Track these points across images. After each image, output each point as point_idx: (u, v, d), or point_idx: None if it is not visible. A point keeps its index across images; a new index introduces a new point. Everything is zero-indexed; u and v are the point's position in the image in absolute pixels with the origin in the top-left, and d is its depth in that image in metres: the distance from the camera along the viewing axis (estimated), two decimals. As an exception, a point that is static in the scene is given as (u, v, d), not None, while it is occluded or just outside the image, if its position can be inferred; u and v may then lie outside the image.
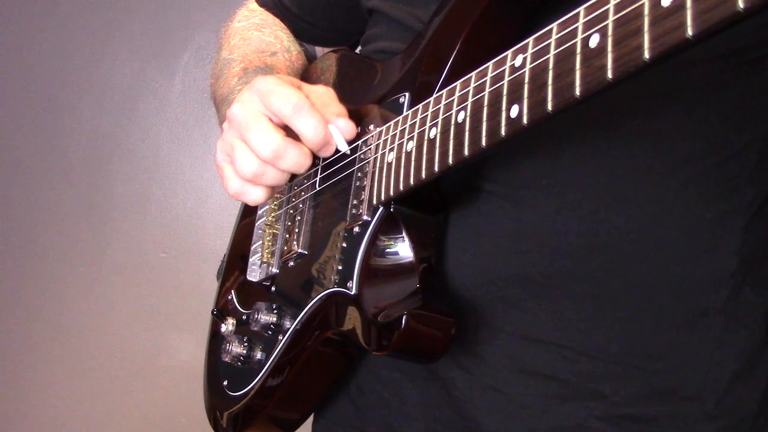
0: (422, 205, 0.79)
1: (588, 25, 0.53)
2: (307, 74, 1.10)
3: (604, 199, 0.77)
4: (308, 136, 0.81)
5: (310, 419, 1.01)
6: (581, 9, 0.54)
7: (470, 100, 0.65)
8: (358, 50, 1.13)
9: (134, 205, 2.59)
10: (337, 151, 0.85)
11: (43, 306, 2.60)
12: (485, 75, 0.64)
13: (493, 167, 0.79)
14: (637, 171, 0.77)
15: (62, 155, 2.62)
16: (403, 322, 0.70)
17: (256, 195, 0.85)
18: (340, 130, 0.83)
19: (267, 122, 0.81)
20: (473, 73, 0.66)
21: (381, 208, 0.79)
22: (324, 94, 0.86)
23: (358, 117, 0.88)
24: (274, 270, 0.98)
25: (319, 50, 1.18)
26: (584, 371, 0.79)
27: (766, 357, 0.83)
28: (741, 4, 0.42)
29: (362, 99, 0.90)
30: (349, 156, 0.85)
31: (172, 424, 2.46)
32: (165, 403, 2.48)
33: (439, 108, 0.70)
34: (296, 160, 0.81)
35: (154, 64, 2.62)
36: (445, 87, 0.71)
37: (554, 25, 0.57)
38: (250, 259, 1.05)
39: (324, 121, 0.82)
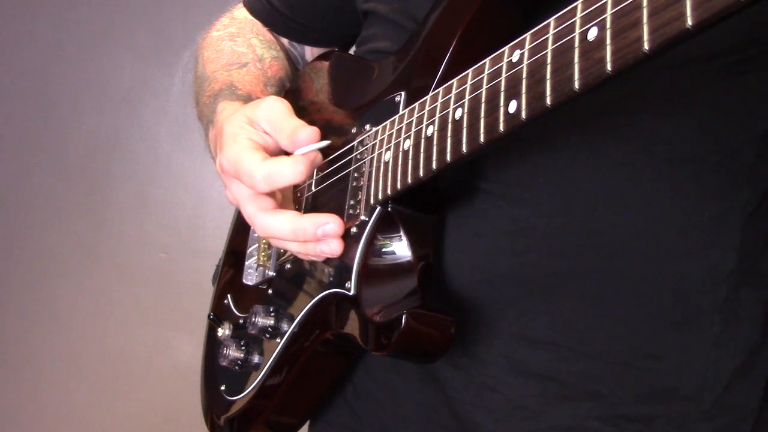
0: (420, 204, 0.78)
1: (586, 19, 0.53)
2: (299, 79, 1.09)
3: (601, 199, 0.77)
4: (294, 182, 0.79)
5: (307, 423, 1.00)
6: (578, 3, 0.54)
7: (467, 97, 0.65)
8: (352, 51, 1.12)
9: (134, 205, 2.58)
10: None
11: (42, 306, 2.60)
12: (482, 72, 0.64)
13: (491, 166, 0.79)
14: (635, 170, 0.77)
15: (62, 155, 2.62)
16: (403, 321, 0.69)
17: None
18: (305, 142, 0.80)
19: (264, 203, 0.82)
20: (470, 71, 0.66)
21: (378, 208, 0.78)
22: (273, 115, 0.83)
23: (353, 118, 0.87)
24: (271, 273, 0.97)
25: (308, 50, 1.16)
26: (582, 371, 0.79)
27: (764, 356, 0.83)
28: None
29: (357, 100, 0.89)
30: (344, 158, 0.84)
31: (172, 424, 2.45)
32: (165, 403, 2.48)
33: (436, 106, 0.69)
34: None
35: (154, 64, 2.62)
36: (441, 85, 0.70)
37: (551, 20, 0.57)
38: (246, 263, 1.04)
39: (293, 161, 0.79)
